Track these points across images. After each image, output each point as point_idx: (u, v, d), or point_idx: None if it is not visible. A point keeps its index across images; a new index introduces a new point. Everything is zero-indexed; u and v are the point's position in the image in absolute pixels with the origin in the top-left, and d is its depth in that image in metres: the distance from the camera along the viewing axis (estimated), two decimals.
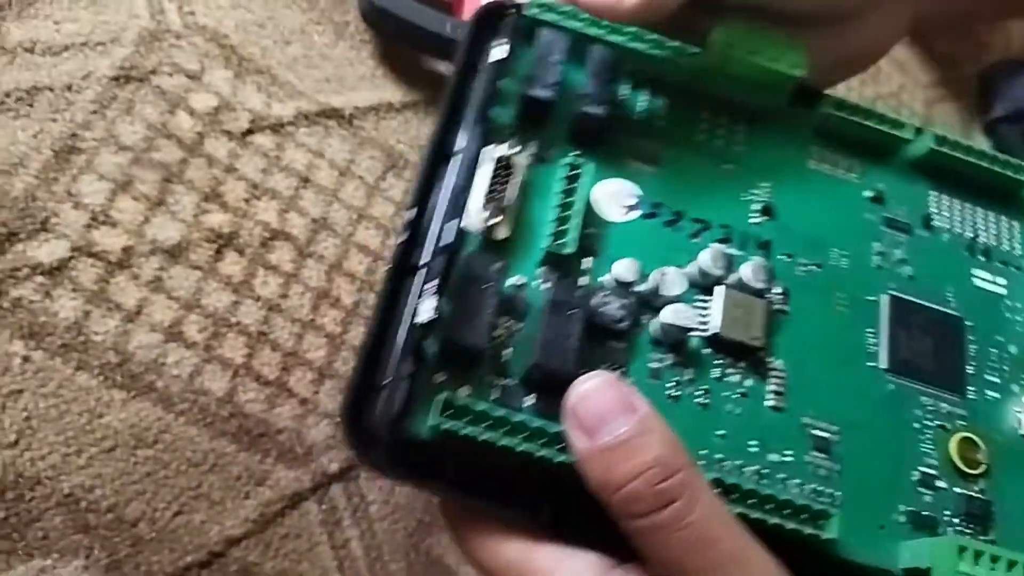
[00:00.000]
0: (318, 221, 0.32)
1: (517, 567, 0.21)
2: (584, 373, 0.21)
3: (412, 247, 0.23)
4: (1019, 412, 0.26)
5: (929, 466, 0.25)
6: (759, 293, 0.25)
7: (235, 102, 0.32)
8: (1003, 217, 0.30)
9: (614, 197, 0.26)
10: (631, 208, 0.26)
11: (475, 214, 0.23)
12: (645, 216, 0.26)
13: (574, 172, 0.25)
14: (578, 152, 0.26)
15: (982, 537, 0.24)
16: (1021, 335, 0.28)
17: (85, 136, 0.29)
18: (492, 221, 0.23)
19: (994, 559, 0.21)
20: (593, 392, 0.20)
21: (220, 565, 0.27)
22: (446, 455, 0.21)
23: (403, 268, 0.23)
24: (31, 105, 0.28)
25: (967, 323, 0.27)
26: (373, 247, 0.33)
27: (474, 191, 0.24)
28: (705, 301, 0.25)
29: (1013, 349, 0.28)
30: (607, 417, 0.20)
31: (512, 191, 0.24)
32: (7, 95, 0.28)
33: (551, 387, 0.22)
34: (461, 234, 0.23)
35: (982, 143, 0.58)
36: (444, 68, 0.38)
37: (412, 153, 0.35)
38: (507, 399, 0.22)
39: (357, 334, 0.32)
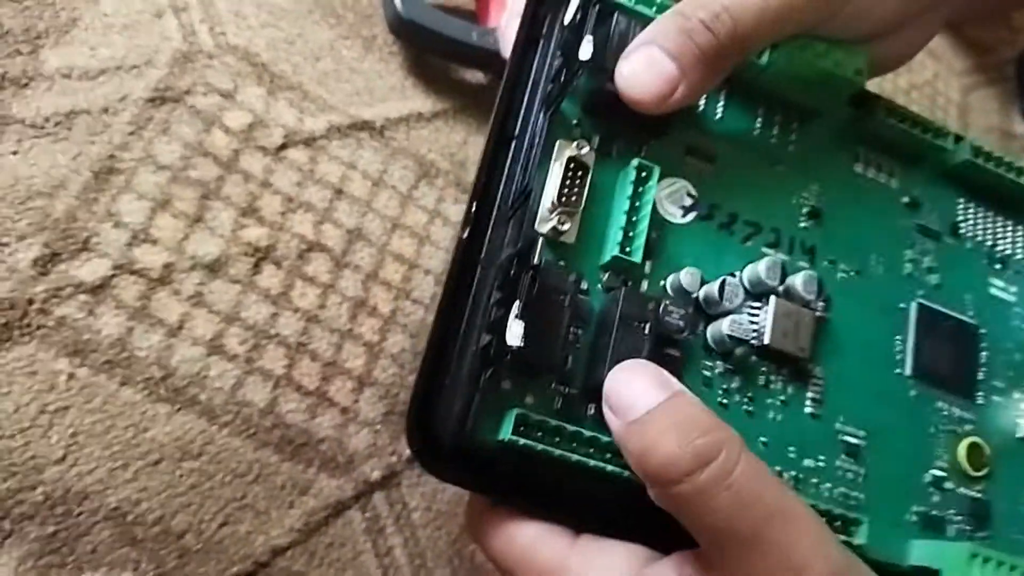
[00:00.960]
0: (353, 232, 0.32)
1: (549, 565, 0.21)
2: None
3: (476, 241, 0.23)
4: (1017, 416, 0.27)
5: (940, 468, 0.26)
6: (807, 304, 0.25)
7: (268, 118, 0.32)
8: (1021, 227, 0.30)
9: (672, 197, 0.26)
10: (688, 209, 0.26)
11: (545, 217, 0.23)
12: (701, 217, 0.26)
13: (643, 175, 0.24)
14: (640, 150, 0.25)
15: (980, 535, 0.25)
16: None
17: (123, 157, 0.29)
18: (564, 226, 0.23)
19: (1000, 564, 0.22)
20: (625, 376, 0.20)
21: (266, 575, 0.27)
22: (511, 463, 0.21)
23: (466, 263, 0.23)
24: (70, 129, 0.29)
25: (981, 331, 0.28)
26: (408, 255, 0.33)
27: (545, 192, 0.23)
28: (755, 308, 0.25)
29: (1018, 355, 0.28)
30: (641, 396, 0.20)
31: (583, 195, 0.23)
32: (47, 120, 0.29)
33: None
34: (531, 239, 0.22)
35: (1021, 129, 0.56)
36: (471, 76, 0.38)
37: (443, 161, 0.35)
38: (569, 408, 0.22)
39: (395, 342, 0.32)
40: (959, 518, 0.25)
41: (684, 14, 0.23)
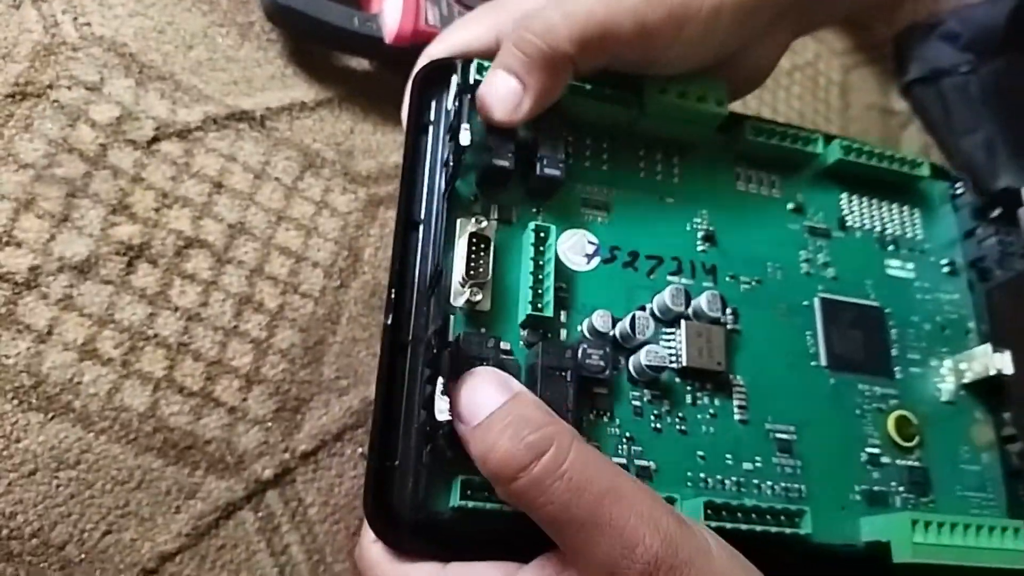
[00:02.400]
0: (235, 226, 0.31)
1: None
2: (576, 426, 0.22)
3: (401, 325, 0.25)
4: (938, 381, 0.28)
5: (873, 446, 0.27)
6: (715, 320, 0.27)
7: (138, 111, 0.31)
8: (905, 208, 0.32)
9: (574, 248, 0.27)
10: (591, 256, 0.27)
11: (458, 291, 0.25)
12: (604, 261, 0.27)
13: (541, 235, 0.26)
14: (537, 209, 0.27)
15: (924, 500, 0.27)
16: (931, 311, 0.30)
17: None
18: (476, 297, 0.25)
19: (940, 525, 0.23)
20: (469, 383, 0.22)
21: None
22: (465, 525, 0.23)
23: (395, 346, 0.24)
24: None
25: (886, 311, 0.29)
26: (295, 248, 0.32)
27: (454, 269, 0.25)
28: (669, 334, 0.26)
29: (927, 326, 0.30)
30: (484, 402, 0.21)
31: (488, 266, 0.25)
32: None
33: None
34: (447, 316, 0.24)
35: (900, 105, 0.59)
36: (356, 64, 0.37)
37: (329, 151, 0.35)
38: None
39: (284, 337, 0.31)
40: (901, 488, 0.27)
41: (514, 34, 0.25)
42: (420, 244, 0.26)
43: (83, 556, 0.26)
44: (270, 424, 0.30)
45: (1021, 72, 0.55)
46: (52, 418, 0.26)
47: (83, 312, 0.28)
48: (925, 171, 0.31)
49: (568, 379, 0.23)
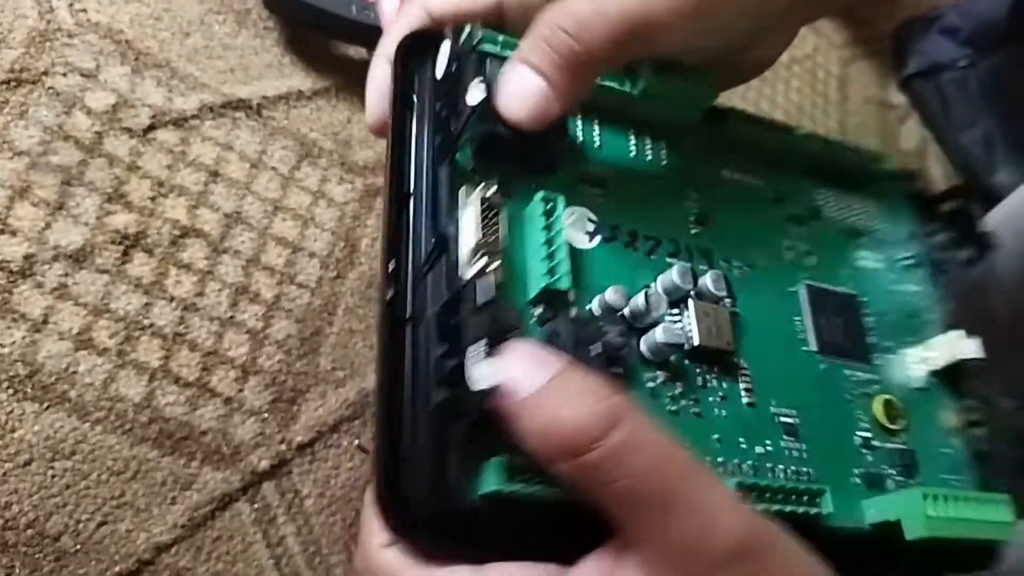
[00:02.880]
0: (231, 216, 0.31)
1: None
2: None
3: (399, 302, 0.23)
4: (910, 369, 0.29)
5: (864, 429, 0.27)
6: (719, 301, 0.26)
7: (134, 98, 0.31)
8: (871, 201, 0.33)
9: (575, 225, 0.26)
10: (592, 235, 0.26)
11: (469, 261, 0.23)
12: (605, 240, 0.26)
13: (550, 206, 0.25)
14: (536, 186, 0.26)
15: (913, 482, 0.27)
16: (899, 302, 0.31)
17: None
18: (491, 267, 0.22)
19: (947, 499, 0.24)
20: (509, 359, 0.20)
21: (150, 573, 0.27)
22: (493, 515, 0.21)
23: (395, 325, 0.23)
24: None
25: (862, 299, 0.30)
26: (291, 238, 0.32)
27: (463, 239, 0.23)
28: (674, 315, 0.26)
29: (895, 316, 0.30)
30: (530, 375, 0.19)
31: (501, 233, 0.23)
32: None
33: None
34: (464, 285, 0.22)
35: (899, 99, 0.59)
36: (354, 52, 0.37)
37: (326, 141, 0.35)
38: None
39: (280, 328, 0.31)
40: (892, 471, 0.27)
41: (542, 27, 0.24)
42: (412, 218, 0.24)
43: (78, 547, 0.26)
44: (266, 415, 0.30)
45: (1020, 67, 0.55)
46: (47, 408, 0.26)
47: (78, 301, 0.28)
48: (887, 165, 0.32)
49: (598, 351, 0.22)
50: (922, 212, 0.33)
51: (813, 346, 0.28)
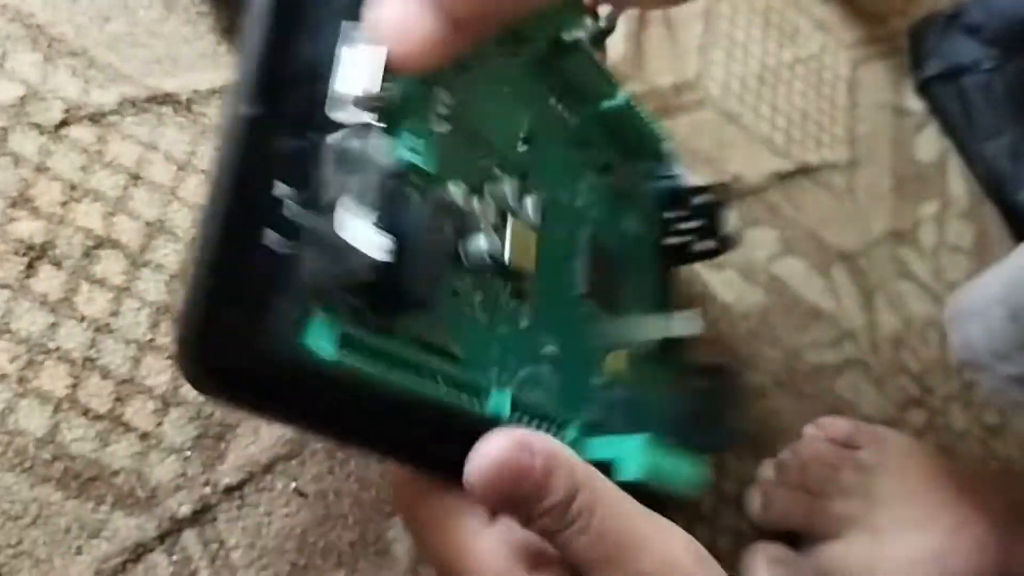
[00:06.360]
0: (153, 224, 0.32)
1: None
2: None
3: (257, 124, 0.21)
4: (645, 332, 0.35)
5: (600, 376, 0.33)
6: (533, 226, 0.30)
7: (45, 90, 0.31)
8: (646, 173, 0.38)
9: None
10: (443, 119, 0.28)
11: (349, 106, 0.23)
12: (451, 131, 0.28)
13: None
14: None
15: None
16: (646, 273, 0.38)
17: None
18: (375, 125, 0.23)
19: (664, 450, 0.29)
20: (486, 457, 0.22)
21: None
22: (311, 384, 0.21)
23: (248, 147, 0.21)
24: None
25: (621, 261, 0.36)
26: None
27: (347, 78, 0.23)
28: (498, 230, 0.28)
29: (643, 283, 0.38)
30: (514, 484, 0.22)
31: (395, 93, 0.23)
32: None
33: (396, 302, 0.22)
34: (343, 124, 0.22)
35: (915, 105, 0.60)
36: None
37: None
38: (365, 322, 0.22)
39: None
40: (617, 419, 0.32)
41: None
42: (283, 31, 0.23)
43: None
44: (189, 453, 0.30)
45: None
46: None
47: None
48: (664, 148, 0.38)
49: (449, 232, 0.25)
50: (681, 199, 0.39)
51: (582, 289, 0.32)
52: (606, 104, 0.35)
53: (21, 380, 0.28)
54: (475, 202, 0.27)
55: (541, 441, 0.23)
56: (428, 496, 0.25)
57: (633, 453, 0.28)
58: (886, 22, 0.62)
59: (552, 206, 0.32)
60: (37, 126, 0.31)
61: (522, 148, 0.31)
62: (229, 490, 0.30)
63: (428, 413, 0.24)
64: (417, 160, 0.25)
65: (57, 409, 0.28)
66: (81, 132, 0.31)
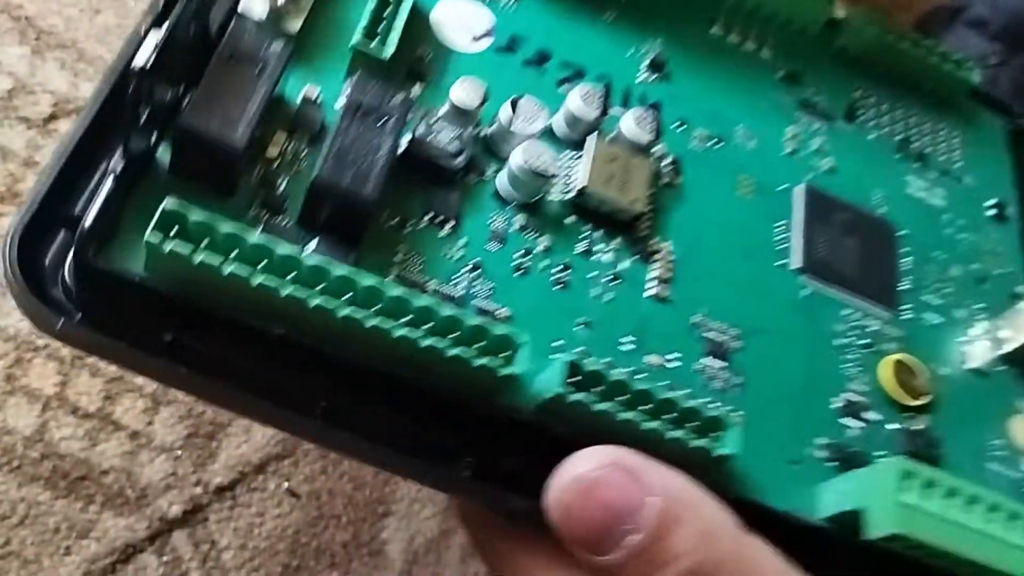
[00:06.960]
0: None
1: None
2: (388, 214, 0.18)
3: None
4: (964, 343, 0.26)
5: (857, 392, 0.23)
6: (643, 150, 0.23)
7: (34, 83, 0.31)
8: (943, 125, 0.30)
9: (461, 21, 0.23)
10: (480, 37, 0.23)
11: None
12: (499, 50, 0.23)
13: None
14: None
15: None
16: (965, 256, 0.27)
17: None
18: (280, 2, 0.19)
19: (940, 487, 0.19)
20: (582, 484, 0.16)
21: None
22: (160, 297, 0.17)
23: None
24: None
25: (901, 232, 0.27)
26: None
27: None
28: (575, 159, 0.22)
29: (955, 271, 0.27)
30: (611, 522, 0.16)
31: None
32: None
33: (339, 222, 0.18)
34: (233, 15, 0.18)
35: None
36: None
37: None
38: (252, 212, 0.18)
39: None
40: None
41: None
42: None
43: None
44: (179, 453, 0.30)
45: None
46: None
47: None
48: (971, 79, 0.29)
49: (387, 130, 0.19)
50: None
51: (795, 263, 0.24)
52: (832, 36, 0.28)
53: (9, 378, 0.28)
54: (509, 103, 0.21)
55: (661, 473, 0.17)
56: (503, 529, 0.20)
57: (885, 486, 0.19)
58: (890, 16, 0.63)
59: (718, 148, 0.25)
60: (25, 120, 0.31)
61: (645, 75, 0.25)
62: (220, 490, 0.30)
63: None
64: (366, 46, 0.20)
65: (46, 407, 0.28)
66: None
